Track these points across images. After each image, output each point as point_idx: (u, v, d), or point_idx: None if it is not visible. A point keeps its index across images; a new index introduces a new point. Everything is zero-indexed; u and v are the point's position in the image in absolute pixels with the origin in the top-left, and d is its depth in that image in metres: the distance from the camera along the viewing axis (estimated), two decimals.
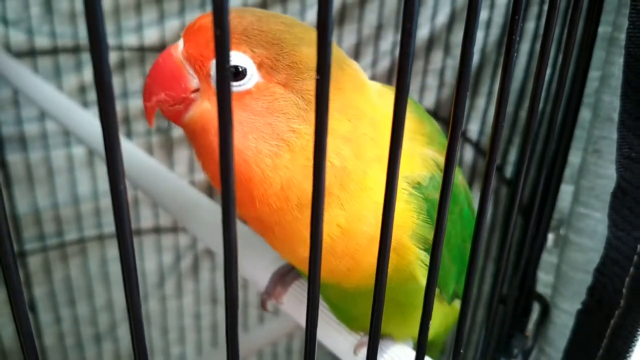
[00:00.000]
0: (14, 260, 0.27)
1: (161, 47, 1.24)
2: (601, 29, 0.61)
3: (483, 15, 1.05)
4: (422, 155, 0.48)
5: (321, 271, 0.33)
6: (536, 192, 0.55)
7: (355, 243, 0.46)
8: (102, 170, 1.28)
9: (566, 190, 0.64)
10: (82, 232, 1.34)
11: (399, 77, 0.31)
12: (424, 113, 0.55)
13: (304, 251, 0.46)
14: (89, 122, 0.88)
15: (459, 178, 0.54)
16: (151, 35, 1.22)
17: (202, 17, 0.43)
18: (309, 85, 0.43)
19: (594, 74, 0.62)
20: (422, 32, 1.15)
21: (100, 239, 1.35)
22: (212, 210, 0.69)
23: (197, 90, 0.44)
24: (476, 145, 1.10)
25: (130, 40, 1.21)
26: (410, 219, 0.46)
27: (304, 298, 0.39)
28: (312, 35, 0.45)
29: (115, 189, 0.26)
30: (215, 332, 1.55)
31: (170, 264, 1.45)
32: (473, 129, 1.10)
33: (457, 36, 1.09)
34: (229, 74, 0.25)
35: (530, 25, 0.94)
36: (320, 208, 0.31)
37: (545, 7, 0.87)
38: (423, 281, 0.49)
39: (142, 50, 1.23)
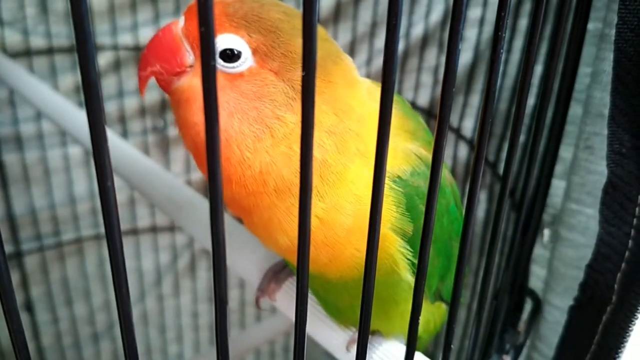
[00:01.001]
0: (4, 258, 0.28)
1: None
2: (592, 25, 0.61)
3: (476, 12, 1.05)
4: (404, 150, 0.49)
5: None
6: (527, 187, 0.55)
7: (334, 233, 0.46)
8: None
9: (559, 186, 0.65)
10: (79, 232, 1.34)
11: (385, 74, 0.31)
12: (409, 110, 0.55)
13: (282, 238, 0.47)
14: (84, 121, 0.88)
15: (445, 174, 0.54)
16: (146, 35, 1.22)
17: None
18: (300, 76, 0.43)
19: (585, 70, 0.62)
20: (417, 30, 1.16)
21: (97, 239, 1.35)
22: (207, 209, 0.70)
23: (191, 66, 0.45)
24: (471, 142, 1.11)
25: (126, 39, 1.22)
26: (388, 212, 0.47)
27: None
28: None
29: (103, 185, 0.26)
30: (213, 331, 1.55)
31: (168, 263, 1.45)
32: (467, 126, 1.11)
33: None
34: (214, 69, 0.25)
35: (524, 22, 0.94)
36: (308, 203, 0.31)
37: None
38: (404, 273, 0.49)
39: (137, 50, 1.23)
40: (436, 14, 1.14)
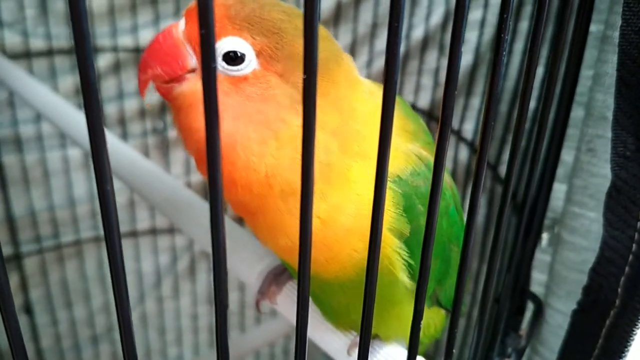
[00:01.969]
0: (2, 262, 0.27)
1: None
2: (594, 28, 0.61)
3: (477, 14, 1.05)
4: (405, 151, 0.49)
5: None
6: (529, 190, 0.55)
7: (334, 234, 0.46)
8: None
9: (560, 189, 0.64)
10: (79, 234, 1.33)
11: (387, 76, 0.31)
12: (410, 111, 0.55)
13: (284, 240, 0.47)
14: (84, 123, 0.88)
15: (445, 177, 0.54)
16: (146, 37, 1.22)
17: None
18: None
19: (587, 73, 0.62)
20: (417, 33, 1.16)
21: (97, 241, 1.35)
22: (207, 211, 0.69)
23: (193, 70, 0.44)
24: (471, 145, 1.10)
25: (126, 41, 1.21)
26: (387, 212, 0.47)
27: None
28: None
29: (102, 189, 0.26)
30: (212, 333, 1.55)
31: (167, 265, 1.45)
32: (468, 128, 1.10)
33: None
34: (214, 72, 0.25)
35: (524, 25, 0.94)
36: (309, 207, 0.31)
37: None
38: (400, 274, 0.49)
39: (137, 52, 1.23)
40: (437, 16, 1.14)
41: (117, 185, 1.21)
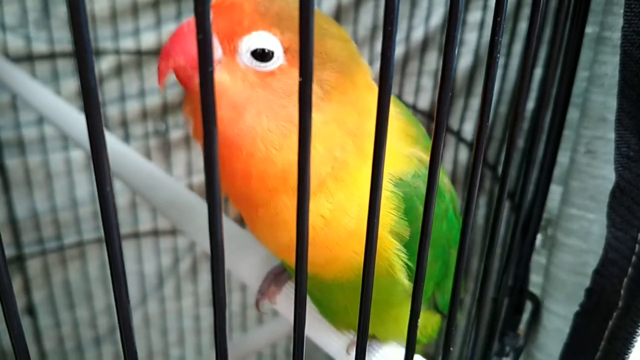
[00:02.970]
0: (4, 262, 0.28)
1: (158, 51, 1.24)
2: (589, 29, 0.61)
3: (476, 16, 1.05)
4: (407, 154, 0.49)
5: None
6: (525, 189, 0.55)
7: (336, 235, 0.47)
8: None
9: (555, 191, 0.65)
10: (81, 236, 1.34)
11: (381, 80, 0.31)
12: (411, 116, 0.55)
13: (285, 237, 0.47)
14: (86, 126, 0.89)
15: (445, 180, 0.54)
16: (148, 40, 1.23)
17: None
18: (329, 75, 0.44)
19: (582, 74, 0.62)
20: (417, 34, 1.16)
21: (99, 242, 1.36)
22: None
23: (217, 62, 0.44)
24: (471, 146, 1.11)
25: (128, 44, 1.22)
26: (388, 215, 0.47)
27: None
28: (334, 29, 0.46)
29: (102, 190, 0.27)
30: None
31: (169, 266, 1.45)
32: (468, 129, 1.11)
33: None
34: (211, 76, 0.26)
35: (523, 26, 0.94)
36: (306, 205, 0.31)
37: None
38: (400, 276, 0.49)
39: (139, 54, 1.24)
40: (436, 18, 1.15)
41: (119, 186, 1.21)
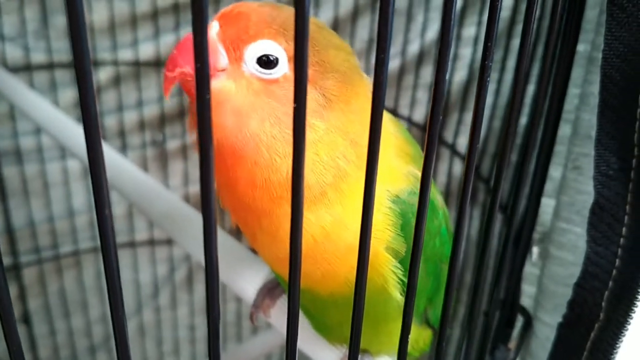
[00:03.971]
0: (2, 272, 0.29)
1: (156, 63, 1.25)
2: (582, 47, 0.62)
3: (471, 31, 1.07)
4: (405, 172, 0.50)
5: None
6: (516, 203, 0.56)
7: (335, 249, 0.47)
8: None
9: (548, 204, 0.66)
10: (77, 245, 1.35)
11: (374, 105, 0.32)
12: (408, 136, 0.56)
13: (284, 248, 0.47)
14: (83, 137, 0.90)
15: (437, 197, 0.55)
16: (146, 51, 1.24)
17: (238, 5, 0.45)
18: (331, 85, 0.45)
19: (575, 91, 0.63)
20: (413, 47, 1.17)
21: (95, 252, 1.36)
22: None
23: (223, 70, 0.45)
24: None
25: (126, 55, 1.23)
26: (385, 232, 0.48)
27: None
28: (338, 41, 0.47)
29: (100, 202, 0.27)
30: None
31: (165, 276, 1.46)
32: (462, 142, 1.12)
33: None
34: (208, 103, 0.27)
35: (516, 42, 0.96)
36: (300, 216, 0.32)
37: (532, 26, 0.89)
38: (394, 292, 0.50)
39: (137, 65, 1.25)
40: (432, 32, 1.16)
41: (115, 196, 1.22)
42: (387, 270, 0.49)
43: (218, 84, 0.44)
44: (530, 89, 0.81)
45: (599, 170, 0.56)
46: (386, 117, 0.53)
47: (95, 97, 0.26)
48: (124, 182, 0.81)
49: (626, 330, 0.54)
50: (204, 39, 0.26)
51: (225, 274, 0.65)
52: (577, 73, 0.63)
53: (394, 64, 1.19)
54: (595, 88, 0.57)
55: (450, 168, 1.14)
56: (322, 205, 0.46)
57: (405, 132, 0.56)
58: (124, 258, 1.39)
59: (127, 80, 1.25)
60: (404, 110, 1.21)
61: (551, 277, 0.63)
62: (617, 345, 0.54)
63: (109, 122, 1.27)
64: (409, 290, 0.40)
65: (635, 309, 0.53)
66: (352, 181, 0.46)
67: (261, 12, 0.44)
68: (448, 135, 1.14)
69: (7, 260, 1.28)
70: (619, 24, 0.53)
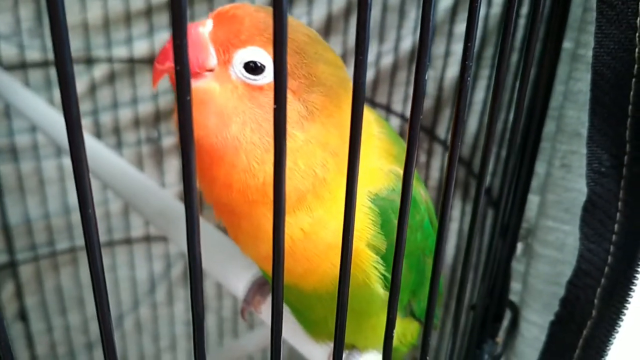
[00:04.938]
0: None
1: (151, 60, 1.26)
2: (567, 44, 0.63)
3: (462, 28, 1.07)
4: (386, 172, 0.51)
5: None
6: (501, 198, 0.57)
7: (315, 247, 0.48)
8: (92, 180, 1.30)
9: (532, 200, 0.66)
10: (73, 242, 1.35)
11: (354, 105, 0.33)
12: (395, 135, 0.57)
13: (264, 248, 0.48)
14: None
15: (420, 191, 0.56)
16: (141, 48, 1.24)
17: (235, 6, 0.46)
18: (315, 98, 0.46)
19: (559, 88, 0.64)
20: (405, 44, 1.18)
21: None
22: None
23: (211, 70, 0.45)
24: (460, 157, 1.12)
25: (120, 52, 1.24)
26: (366, 230, 0.49)
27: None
28: (330, 55, 0.48)
29: (84, 202, 0.28)
30: (206, 340, 1.56)
31: (161, 272, 1.47)
32: None
33: (439, 48, 1.12)
34: (189, 105, 0.27)
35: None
36: (282, 218, 0.33)
37: (521, 22, 0.89)
38: (376, 287, 0.51)
39: (131, 62, 1.25)
40: None
41: (111, 193, 1.22)
42: (368, 266, 0.50)
43: (204, 84, 0.45)
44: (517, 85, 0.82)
45: (591, 168, 0.56)
46: (371, 117, 0.54)
47: (77, 98, 0.27)
48: (117, 180, 0.81)
49: (618, 327, 0.55)
50: (183, 42, 0.26)
51: (216, 270, 0.66)
52: (561, 70, 0.63)
53: (387, 60, 1.19)
54: (579, 85, 0.57)
55: (443, 164, 1.15)
56: (301, 209, 0.47)
57: (391, 131, 0.57)
58: (121, 255, 1.40)
59: (121, 77, 1.26)
60: (397, 106, 1.21)
61: (537, 276, 0.63)
62: (610, 342, 0.55)
63: (104, 119, 1.27)
64: (393, 287, 0.41)
65: (627, 305, 0.54)
66: (332, 187, 0.47)
67: (255, 18, 0.45)
68: (441, 132, 1.14)
69: (3, 258, 1.28)
70: (608, 22, 0.53)
